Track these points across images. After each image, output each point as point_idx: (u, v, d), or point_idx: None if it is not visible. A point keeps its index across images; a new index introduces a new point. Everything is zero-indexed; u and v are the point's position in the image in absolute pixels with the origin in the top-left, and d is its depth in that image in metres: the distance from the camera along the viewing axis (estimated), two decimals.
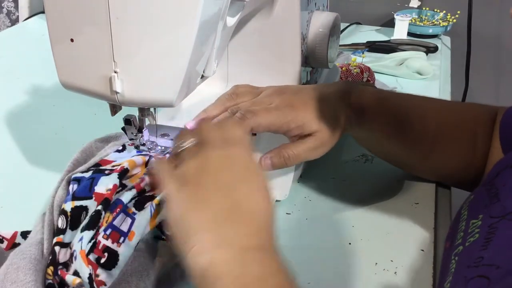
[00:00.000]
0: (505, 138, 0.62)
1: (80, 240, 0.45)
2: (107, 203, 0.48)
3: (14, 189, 0.70)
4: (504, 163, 0.51)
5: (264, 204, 0.45)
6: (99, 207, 0.46)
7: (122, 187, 0.51)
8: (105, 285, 0.46)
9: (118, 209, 0.48)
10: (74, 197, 0.48)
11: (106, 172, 0.49)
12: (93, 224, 0.46)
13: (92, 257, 0.46)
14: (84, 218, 0.48)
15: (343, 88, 0.65)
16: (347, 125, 0.63)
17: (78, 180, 0.51)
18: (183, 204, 0.44)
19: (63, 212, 0.47)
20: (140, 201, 0.50)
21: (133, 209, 0.49)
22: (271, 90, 0.62)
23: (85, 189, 0.48)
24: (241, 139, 0.49)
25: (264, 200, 0.46)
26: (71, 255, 0.46)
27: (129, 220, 0.48)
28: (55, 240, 0.46)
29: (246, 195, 0.45)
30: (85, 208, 0.48)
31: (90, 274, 0.43)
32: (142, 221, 0.48)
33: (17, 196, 0.69)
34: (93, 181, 0.49)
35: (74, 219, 0.48)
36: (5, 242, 0.53)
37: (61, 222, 0.47)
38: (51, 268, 0.45)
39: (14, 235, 0.54)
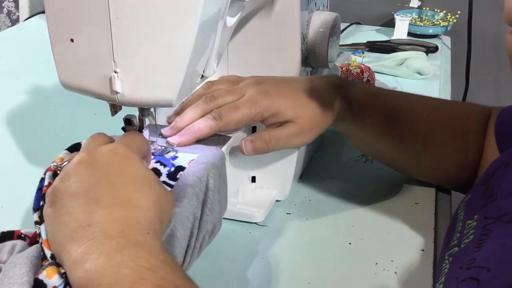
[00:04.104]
0: (501, 137, 0.62)
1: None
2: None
3: (14, 189, 0.70)
4: (499, 162, 0.51)
5: (134, 195, 0.43)
6: (41, 203, 0.48)
7: None
8: None
9: None
10: (35, 209, 0.49)
11: (43, 176, 0.50)
12: None
13: None
14: None
15: (336, 81, 0.65)
16: (337, 118, 0.62)
17: None
18: (49, 225, 0.44)
19: (35, 222, 0.49)
20: None
21: None
22: (251, 80, 0.61)
23: (38, 200, 0.50)
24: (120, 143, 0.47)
25: (134, 191, 0.44)
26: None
27: None
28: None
29: (108, 192, 0.43)
30: None
31: (52, 254, 0.44)
32: None
33: (17, 196, 0.69)
34: (41, 191, 0.50)
35: None
36: (27, 240, 0.53)
37: (38, 230, 0.49)
38: (45, 262, 0.46)
39: (35, 234, 0.54)
